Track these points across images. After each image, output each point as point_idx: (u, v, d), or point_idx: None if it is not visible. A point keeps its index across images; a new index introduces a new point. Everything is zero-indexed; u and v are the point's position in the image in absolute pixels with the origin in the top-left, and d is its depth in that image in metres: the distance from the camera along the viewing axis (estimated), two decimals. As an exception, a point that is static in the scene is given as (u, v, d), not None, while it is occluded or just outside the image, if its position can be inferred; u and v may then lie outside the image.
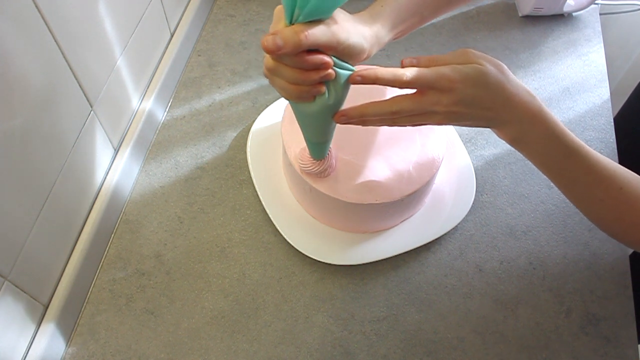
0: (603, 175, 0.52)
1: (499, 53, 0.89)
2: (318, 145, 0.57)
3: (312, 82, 0.46)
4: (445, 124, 0.52)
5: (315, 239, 0.66)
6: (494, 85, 0.49)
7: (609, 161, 0.53)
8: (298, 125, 0.67)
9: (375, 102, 0.50)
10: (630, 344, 0.61)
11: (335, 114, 0.50)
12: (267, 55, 0.46)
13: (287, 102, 0.71)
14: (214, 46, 0.90)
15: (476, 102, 0.49)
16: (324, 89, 0.47)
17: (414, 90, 0.49)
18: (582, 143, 0.52)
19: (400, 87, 0.48)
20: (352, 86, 0.49)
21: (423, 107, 0.49)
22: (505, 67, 0.50)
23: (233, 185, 0.73)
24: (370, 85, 0.49)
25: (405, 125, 0.52)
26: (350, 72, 0.47)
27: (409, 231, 0.67)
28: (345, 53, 0.46)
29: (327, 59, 0.44)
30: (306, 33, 0.42)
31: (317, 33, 0.42)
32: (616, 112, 0.87)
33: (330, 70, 0.45)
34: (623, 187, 0.52)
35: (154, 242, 0.68)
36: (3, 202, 0.49)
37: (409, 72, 0.47)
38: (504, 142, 0.77)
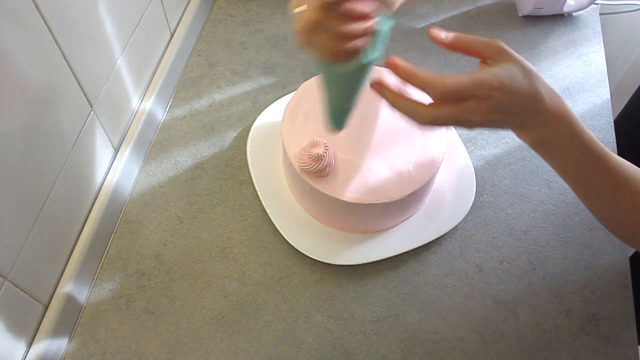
0: (623, 179, 0.51)
1: (499, 53, 0.89)
2: (342, 113, 0.54)
3: (359, 33, 0.44)
4: (478, 129, 0.50)
5: (315, 239, 0.66)
6: (527, 91, 0.47)
7: (628, 164, 0.52)
8: (298, 125, 0.67)
9: (416, 102, 0.47)
10: (630, 344, 0.61)
11: (372, 82, 0.48)
12: (310, 10, 0.43)
13: (287, 102, 0.71)
14: (214, 46, 0.90)
15: (510, 109, 0.47)
16: (365, 43, 0.45)
17: None
18: (602, 145, 0.51)
19: (435, 97, 0.46)
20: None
21: (462, 114, 0.47)
22: (534, 69, 0.49)
23: (233, 185, 0.73)
24: None
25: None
26: (391, 24, 0.46)
27: (409, 231, 0.67)
28: None
29: (374, 5, 0.43)
30: None
31: None
32: (616, 113, 0.87)
33: (374, 22, 0.44)
34: (638, 192, 0.52)
35: (154, 242, 0.68)
36: (3, 201, 0.49)
37: (447, 81, 0.45)
38: (504, 142, 0.77)
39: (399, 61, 0.46)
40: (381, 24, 0.45)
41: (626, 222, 0.54)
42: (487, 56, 0.48)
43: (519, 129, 0.51)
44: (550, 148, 0.52)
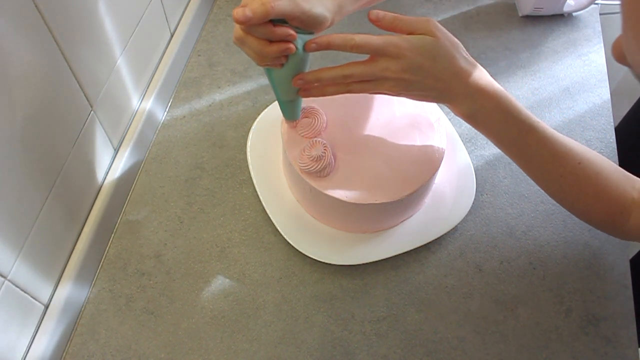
0: (560, 150, 0.54)
1: (499, 53, 0.89)
2: (289, 103, 0.60)
3: (274, 55, 0.49)
4: (396, 93, 0.54)
5: (315, 239, 0.66)
6: (442, 57, 0.51)
7: (566, 138, 0.55)
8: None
9: (330, 67, 0.53)
10: (630, 344, 0.61)
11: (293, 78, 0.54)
12: (237, 26, 0.49)
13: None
14: (214, 46, 0.90)
15: (424, 71, 0.51)
16: (284, 60, 0.52)
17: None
18: (537, 120, 0.54)
19: (350, 51, 0.50)
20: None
21: (373, 72, 0.51)
22: (461, 45, 0.53)
23: (233, 185, 0.73)
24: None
25: (359, 92, 0.54)
26: (308, 38, 0.51)
27: (409, 231, 0.67)
28: (309, 22, 0.49)
29: (291, 31, 0.48)
30: (272, 4, 0.45)
31: (282, 4, 0.46)
32: (617, 114, 0.87)
33: (291, 45, 0.49)
34: (582, 162, 0.54)
35: (154, 242, 0.68)
36: (3, 202, 0.49)
37: (358, 37, 0.50)
38: (504, 142, 0.77)
39: (316, 40, 0.51)
40: (301, 38, 0.50)
41: (574, 193, 0.56)
42: (419, 34, 0.51)
43: (444, 99, 0.54)
44: (481, 122, 0.55)
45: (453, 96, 0.53)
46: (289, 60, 0.52)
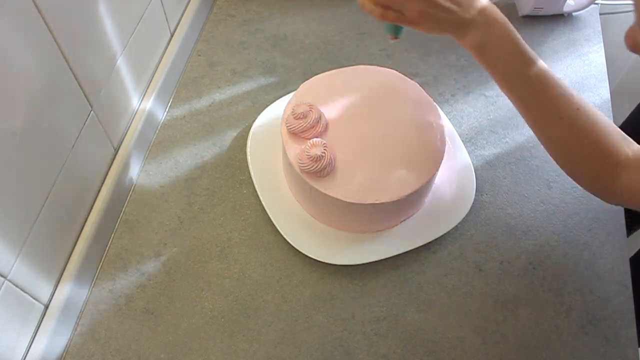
0: (560, 92, 0.55)
1: (499, 53, 0.88)
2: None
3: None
4: (418, 16, 0.55)
5: (315, 239, 0.66)
6: None
7: (567, 84, 0.55)
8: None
9: None
10: (630, 344, 0.61)
11: None
12: None
13: (287, 102, 0.71)
14: (214, 46, 0.90)
15: None
16: None
17: None
18: (541, 61, 0.55)
19: None
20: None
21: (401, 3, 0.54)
22: None
23: (233, 185, 0.73)
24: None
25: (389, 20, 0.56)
26: None
27: (409, 231, 0.67)
28: None
29: None
30: None
31: None
32: (617, 114, 0.87)
33: None
34: (580, 108, 0.54)
35: (154, 242, 0.68)
36: (3, 201, 0.49)
37: None
38: (504, 142, 0.77)
39: None
40: None
41: (571, 139, 0.56)
42: None
43: (461, 26, 0.55)
44: (490, 51, 0.55)
45: (470, 23, 0.54)
46: None
